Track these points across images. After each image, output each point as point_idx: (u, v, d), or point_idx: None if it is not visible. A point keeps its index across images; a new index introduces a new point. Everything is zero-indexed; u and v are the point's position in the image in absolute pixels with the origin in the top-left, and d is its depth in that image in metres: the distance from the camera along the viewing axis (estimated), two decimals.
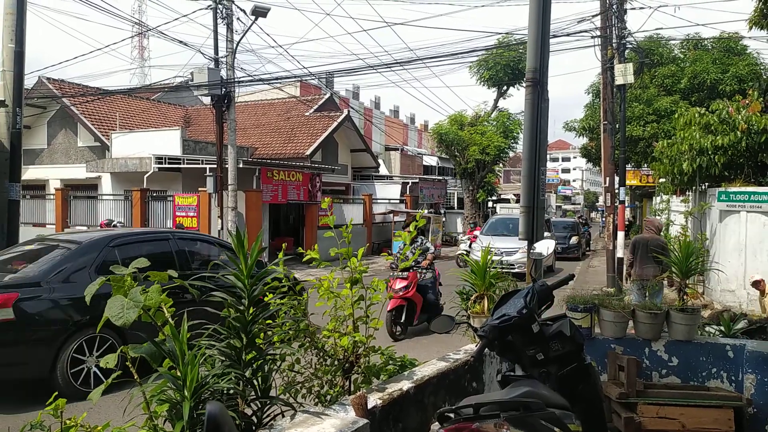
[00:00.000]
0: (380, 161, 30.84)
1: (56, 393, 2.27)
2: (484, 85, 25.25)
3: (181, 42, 15.37)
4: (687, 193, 12.53)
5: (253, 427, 2.34)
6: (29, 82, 21.12)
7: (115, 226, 12.32)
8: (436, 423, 2.01)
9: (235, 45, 14.94)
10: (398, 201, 25.49)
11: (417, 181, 28.01)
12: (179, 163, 17.60)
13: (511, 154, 27.27)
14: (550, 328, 2.50)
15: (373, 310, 3.15)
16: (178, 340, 2.06)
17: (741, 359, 3.65)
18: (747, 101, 10.60)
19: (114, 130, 20.63)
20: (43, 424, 2.16)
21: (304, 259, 3.27)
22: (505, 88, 25.49)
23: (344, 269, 3.19)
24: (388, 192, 26.20)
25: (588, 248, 26.61)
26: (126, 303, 2.04)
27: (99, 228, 13.39)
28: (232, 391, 2.29)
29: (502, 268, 13.07)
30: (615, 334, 3.90)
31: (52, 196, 19.31)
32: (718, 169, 10.49)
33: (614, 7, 13.18)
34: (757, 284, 8.08)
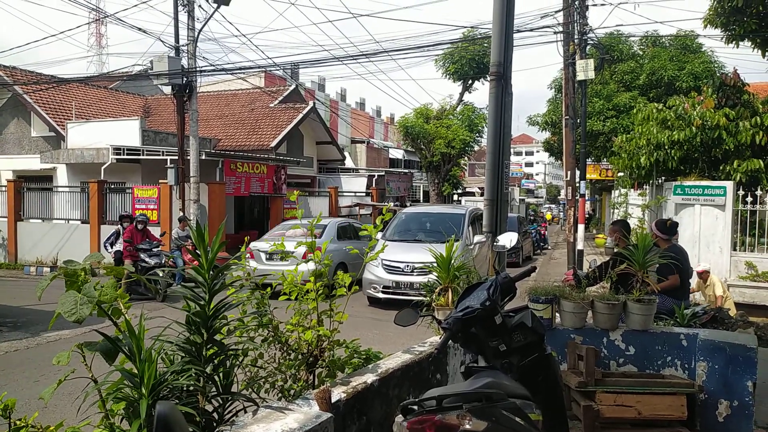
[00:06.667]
0: (346, 154, 30.71)
1: (5, 393, 2.18)
2: (449, 78, 25.39)
3: (140, 29, 14.91)
4: (644, 186, 12.90)
5: (214, 424, 2.30)
6: None
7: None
8: (400, 415, 2.01)
9: (196, 33, 14.59)
10: (364, 194, 25.43)
11: (383, 174, 28.00)
12: (138, 154, 17.12)
13: (476, 147, 27.51)
14: (512, 319, 2.53)
15: (338, 303, 3.13)
16: (134, 336, 2.00)
17: (694, 347, 3.78)
18: (702, 98, 10.96)
19: (70, 119, 19.92)
20: None
21: (269, 251, 3.23)
22: (470, 81, 25.69)
23: (308, 262, 3.17)
24: (354, 185, 26.12)
25: (538, 250, 22.98)
26: (79, 299, 1.97)
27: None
28: (192, 388, 2.24)
29: (404, 295, 10.25)
30: (575, 325, 3.98)
31: (3, 188, 18.53)
32: (674, 163, 10.83)
33: (576, 3, 13.41)
34: (701, 275, 8.38)
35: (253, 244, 10.97)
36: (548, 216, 43.66)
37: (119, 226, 12.41)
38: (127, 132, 18.24)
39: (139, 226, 11.70)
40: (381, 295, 10.37)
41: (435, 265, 3.68)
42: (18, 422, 2.04)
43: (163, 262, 11.39)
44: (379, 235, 14.43)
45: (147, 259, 11.23)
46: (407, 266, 10.11)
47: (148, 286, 10.04)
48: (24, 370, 6.60)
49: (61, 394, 2.58)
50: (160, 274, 10.46)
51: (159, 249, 11.80)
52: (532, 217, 33.32)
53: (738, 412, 3.58)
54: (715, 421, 3.64)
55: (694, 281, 7.99)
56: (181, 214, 14.66)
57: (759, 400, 3.72)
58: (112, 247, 12.13)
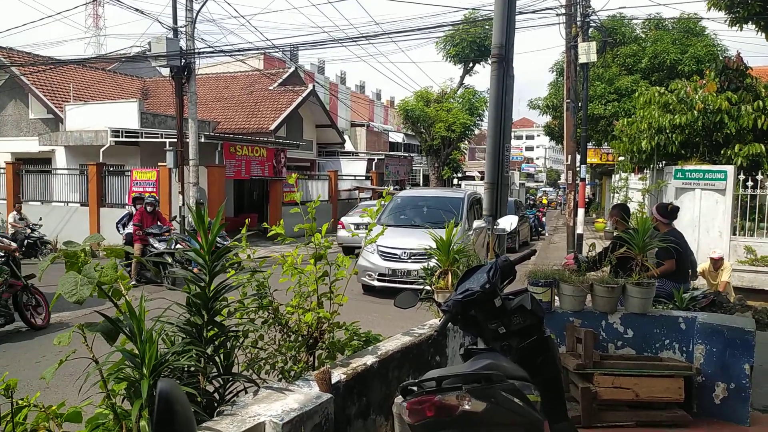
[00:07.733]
0: (346, 137, 30.60)
1: (6, 373, 2.19)
2: (450, 61, 25.23)
3: (137, 10, 14.76)
4: (645, 171, 12.87)
5: (215, 404, 2.32)
6: None
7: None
8: (400, 396, 2.02)
9: (195, 14, 14.44)
10: (364, 177, 25.41)
11: (383, 157, 27.95)
12: (137, 137, 17.05)
13: (477, 131, 27.39)
14: (511, 302, 2.53)
15: (338, 286, 3.14)
16: (135, 317, 2.01)
17: (692, 331, 3.80)
18: (704, 81, 10.89)
19: (68, 101, 19.80)
20: None
21: (269, 235, 3.23)
22: (471, 64, 25.51)
23: (308, 245, 3.17)
24: (353, 168, 26.06)
25: (535, 236, 21.51)
26: (80, 279, 1.97)
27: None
28: (193, 369, 2.26)
29: (401, 283, 9.58)
30: (573, 308, 4.00)
31: (2, 171, 18.49)
32: (675, 147, 10.79)
33: None
34: (715, 261, 8.41)
35: (344, 219, 15.72)
36: (544, 200, 42.19)
37: (132, 207, 12.14)
38: (125, 114, 18.15)
39: (149, 209, 11.27)
40: (376, 283, 9.85)
41: (434, 249, 3.68)
42: (20, 402, 2.06)
43: (173, 246, 11.09)
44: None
45: (156, 244, 10.94)
46: (404, 252, 9.66)
47: (151, 270, 9.99)
48: (25, 351, 6.65)
49: (63, 374, 2.60)
50: (169, 260, 10.24)
51: (169, 233, 11.50)
52: (531, 202, 32.86)
53: (735, 394, 3.60)
54: (712, 403, 3.67)
55: (699, 267, 8.02)
56: (182, 198, 14.60)
57: (756, 383, 3.74)
58: (123, 229, 11.85)
